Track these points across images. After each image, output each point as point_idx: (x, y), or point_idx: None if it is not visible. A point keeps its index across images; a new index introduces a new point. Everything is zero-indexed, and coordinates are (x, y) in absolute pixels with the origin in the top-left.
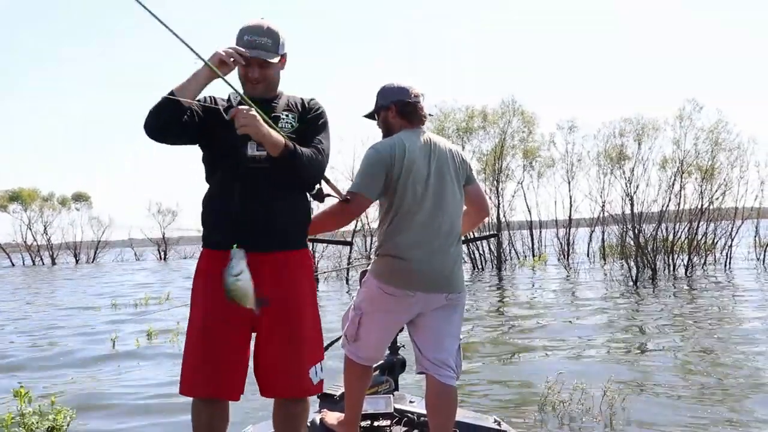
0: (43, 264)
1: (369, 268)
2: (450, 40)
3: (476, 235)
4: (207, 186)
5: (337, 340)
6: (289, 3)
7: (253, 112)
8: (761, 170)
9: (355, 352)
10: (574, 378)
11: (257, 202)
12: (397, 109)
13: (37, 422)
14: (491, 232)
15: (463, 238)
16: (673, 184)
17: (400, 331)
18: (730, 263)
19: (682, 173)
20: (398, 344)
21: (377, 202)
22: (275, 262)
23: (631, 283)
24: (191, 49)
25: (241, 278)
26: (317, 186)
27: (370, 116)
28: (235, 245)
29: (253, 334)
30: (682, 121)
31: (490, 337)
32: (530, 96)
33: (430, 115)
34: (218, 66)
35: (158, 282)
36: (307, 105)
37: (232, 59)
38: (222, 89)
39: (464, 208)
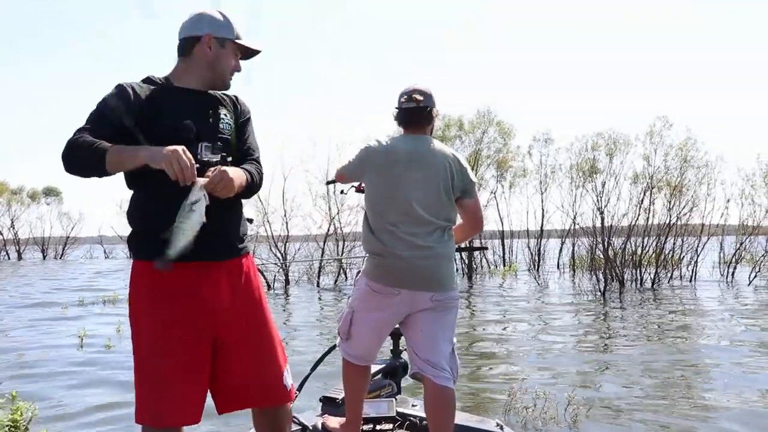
0: (9, 258)
1: (362, 268)
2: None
3: (467, 245)
4: (134, 190)
5: (334, 346)
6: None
7: (229, 173)
8: (727, 188)
9: (348, 350)
10: (538, 386)
11: (215, 210)
12: (395, 114)
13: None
14: (482, 245)
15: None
16: (643, 199)
17: (400, 335)
18: (695, 278)
19: (652, 188)
20: (401, 347)
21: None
22: (230, 269)
23: (599, 295)
24: None
25: (195, 208)
26: None
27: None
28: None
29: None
30: (652, 138)
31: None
32: (509, 104)
33: (434, 116)
34: (160, 165)
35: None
36: (238, 105)
37: (179, 171)
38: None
39: (458, 220)
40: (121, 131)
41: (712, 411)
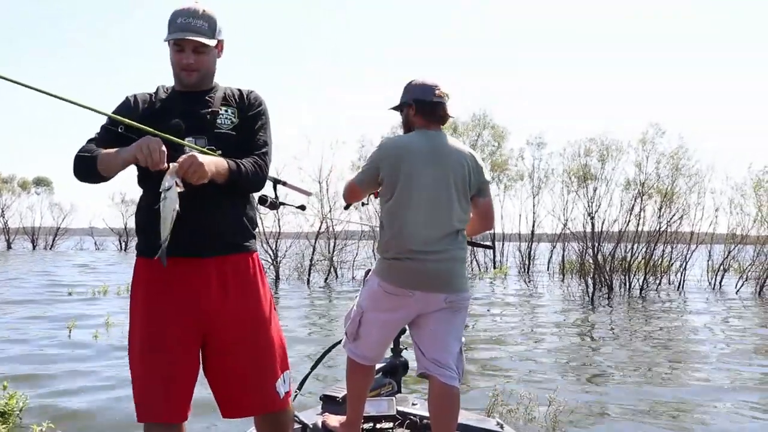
0: None
1: (373, 267)
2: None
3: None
4: (141, 190)
5: (336, 344)
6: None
7: (200, 158)
8: (716, 197)
9: (355, 350)
10: (521, 388)
11: (201, 205)
12: (416, 107)
13: None
14: (488, 243)
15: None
16: (634, 206)
17: (403, 333)
18: (683, 286)
19: (643, 195)
20: (401, 346)
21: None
22: (222, 267)
23: (587, 300)
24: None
25: (168, 195)
26: (269, 197)
27: (395, 109)
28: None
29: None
30: (644, 145)
31: None
32: (504, 103)
33: (451, 116)
34: (135, 157)
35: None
36: (246, 98)
37: (148, 156)
38: (162, 80)
39: (471, 216)
40: (123, 137)
41: (693, 413)
